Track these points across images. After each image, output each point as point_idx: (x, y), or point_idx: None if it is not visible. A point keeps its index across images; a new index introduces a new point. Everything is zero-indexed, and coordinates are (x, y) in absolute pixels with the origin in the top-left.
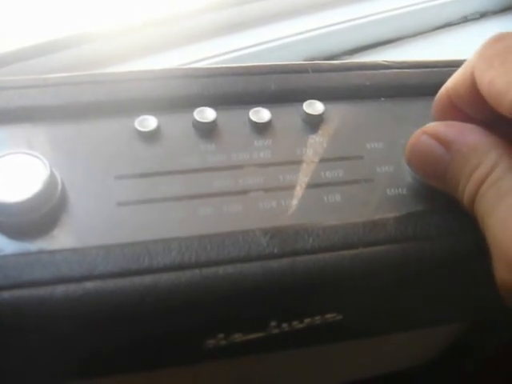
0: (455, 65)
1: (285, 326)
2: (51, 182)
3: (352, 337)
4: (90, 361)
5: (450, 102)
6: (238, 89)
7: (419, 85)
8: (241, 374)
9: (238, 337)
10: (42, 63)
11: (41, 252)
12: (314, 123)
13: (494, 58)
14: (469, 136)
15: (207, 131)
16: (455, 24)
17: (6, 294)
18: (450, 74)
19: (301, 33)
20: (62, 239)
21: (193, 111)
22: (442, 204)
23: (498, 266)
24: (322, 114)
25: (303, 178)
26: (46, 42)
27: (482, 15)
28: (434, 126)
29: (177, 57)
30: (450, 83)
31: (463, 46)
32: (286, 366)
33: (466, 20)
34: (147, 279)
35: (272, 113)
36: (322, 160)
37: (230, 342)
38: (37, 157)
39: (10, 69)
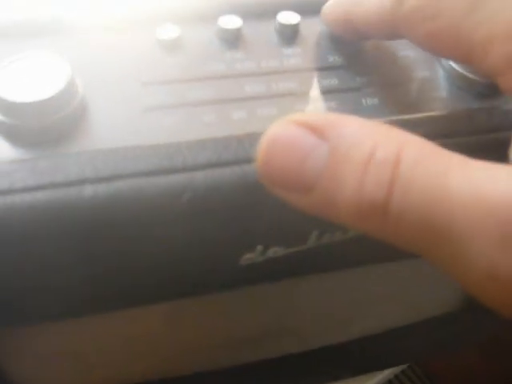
0: None
1: (326, 236)
2: (73, 82)
3: (394, 257)
4: (117, 282)
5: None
6: None
7: None
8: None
9: (276, 251)
10: None
11: (63, 154)
12: None
13: None
14: (352, 122)
15: (233, 39)
16: None
17: (27, 197)
18: None
19: None
20: (86, 142)
21: (217, 20)
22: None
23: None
24: None
25: (338, 82)
26: None
27: None
28: (303, 115)
29: None
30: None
31: None
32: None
33: None
34: (183, 177)
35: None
36: (354, 65)
37: (268, 258)
38: (56, 58)
39: None
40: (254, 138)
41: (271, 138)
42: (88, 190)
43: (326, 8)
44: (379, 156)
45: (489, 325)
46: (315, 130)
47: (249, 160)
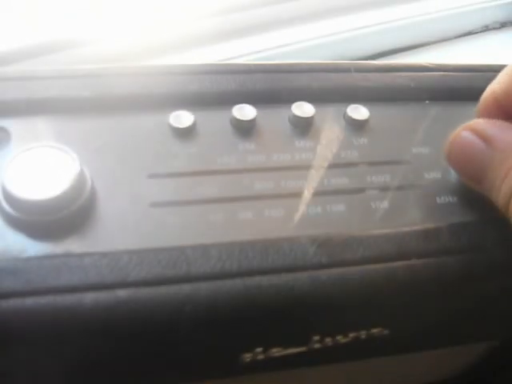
0: (499, 69)
1: (328, 340)
2: (80, 179)
3: (395, 352)
4: (117, 374)
5: (498, 105)
6: (278, 86)
7: (464, 88)
8: None
9: (276, 351)
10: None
11: (67, 255)
12: (358, 126)
13: None
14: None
15: (246, 129)
16: (476, 33)
17: (29, 301)
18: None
19: (319, 37)
20: (90, 241)
21: (231, 108)
22: (495, 213)
23: None
24: (367, 117)
25: (349, 182)
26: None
27: (503, 25)
28: (476, 121)
29: (213, 53)
30: (497, 87)
31: (483, 54)
32: (313, 378)
33: (486, 29)
34: (185, 288)
35: (314, 111)
36: (367, 164)
37: (268, 357)
38: (65, 151)
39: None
40: (256, 246)
41: (451, 139)
42: (89, 298)
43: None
44: None
45: None
46: (483, 137)
47: (250, 272)
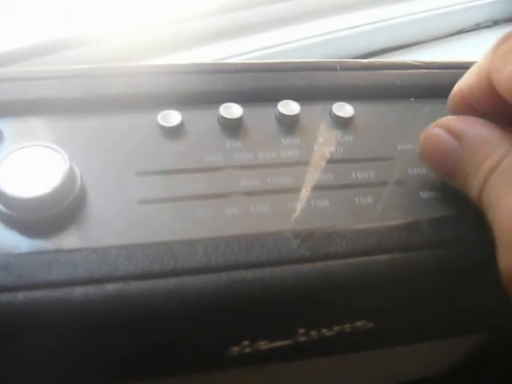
0: None
1: (313, 333)
2: (70, 177)
3: (380, 346)
4: (106, 368)
5: (465, 102)
6: (265, 84)
7: (449, 85)
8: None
9: (263, 344)
10: (49, 61)
11: (58, 251)
12: (343, 123)
13: (508, 54)
14: (480, 128)
15: (233, 128)
16: (468, 31)
17: (21, 296)
18: None
19: (313, 36)
20: (80, 237)
21: (218, 107)
22: (477, 208)
23: (503, 255)
24: (352, 115)
25: (333, 178)
26: (54, 40)
27: (495, 23)
28: (445, 118)
29: (208, 53)
30: (464, 84)
31: (475, 52)
32: (305, 373)
33: (478, 27)
34: (171, 282)
35: (300, 109)
36: (352, 160)
37: (255, 350)
38: (55, 150)
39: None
40: (241, 240)
41: (423, 136)
42: (78, 293)
43: (449, 98)
44: (484, 165)
45: None
46: (453, 133)
47: (235, 266)
